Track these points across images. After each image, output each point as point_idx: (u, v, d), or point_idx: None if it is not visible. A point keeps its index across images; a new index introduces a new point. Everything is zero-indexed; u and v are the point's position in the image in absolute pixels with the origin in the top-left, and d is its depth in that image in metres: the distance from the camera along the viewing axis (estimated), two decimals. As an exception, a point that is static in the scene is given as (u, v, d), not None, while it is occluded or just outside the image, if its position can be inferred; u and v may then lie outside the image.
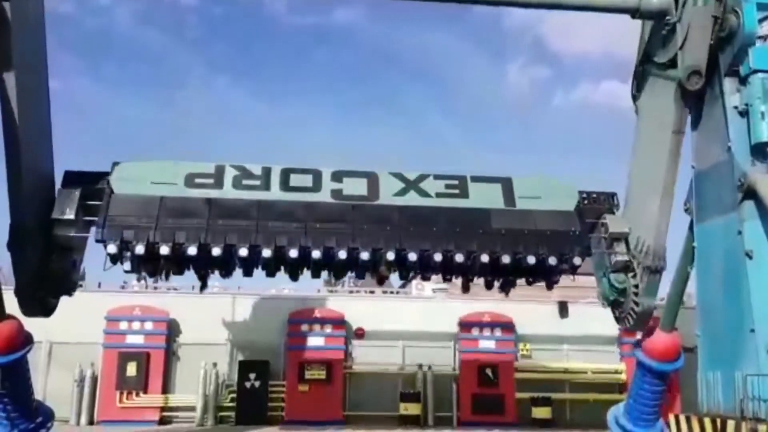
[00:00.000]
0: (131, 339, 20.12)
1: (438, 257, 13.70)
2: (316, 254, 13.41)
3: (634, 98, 15.30)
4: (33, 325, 13.45)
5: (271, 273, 14.52)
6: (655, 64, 14.30)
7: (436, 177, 14.81)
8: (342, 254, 13.48)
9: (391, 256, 13.64)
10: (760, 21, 13.27)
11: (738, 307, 12.70)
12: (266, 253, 13.26)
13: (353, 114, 59.56)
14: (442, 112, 59.92)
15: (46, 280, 13.45)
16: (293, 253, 13.32)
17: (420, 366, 20.93)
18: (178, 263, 13.98)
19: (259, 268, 14.31)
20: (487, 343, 21.24)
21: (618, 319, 15.37)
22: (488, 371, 20.90)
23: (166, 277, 14.83)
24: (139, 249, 12.90)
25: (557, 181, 15.20)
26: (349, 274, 15.82)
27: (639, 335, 15.26)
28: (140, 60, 57.99)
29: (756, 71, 12.99)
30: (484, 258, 13.85)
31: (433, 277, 16.12)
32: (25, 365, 13.92)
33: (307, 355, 20.62)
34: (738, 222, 12.75)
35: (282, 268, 14.33)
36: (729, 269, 13.01)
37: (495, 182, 14.89)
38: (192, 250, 13.08)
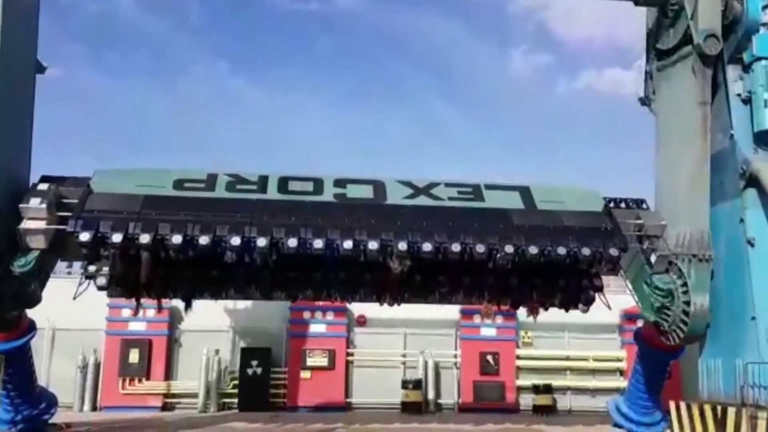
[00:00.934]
0: (134, 326, 20.16)
1: (456, 247, 12.58)
2: (318, 244, 12.38)
3: (647, 101, 15.13)
4: (35, 312, 13.52)
5: (264, 288, 13.63)
6: (666, 53, 14.13)
7: (448, 185, 14.12)
8: (347, 245, 12.42)
9: (402, 246, 12.55)
10: (764, 8, 13.22)
11: (739, 294, 12.73)
12: (261, 242, 12.24)
13: (354, 100, 59.30)
14: (444, 98, 59.66)
15: (5, 285, 12.04)
16: (292, 243, 12.30)
17: (422, 352, 20.98)
18: (161, 275, 12.86)
19: (251, 279, 13.44)
20: (488, 331, 21.27)
21: (665, 333, 13.47)
22: (489, 358, 20.96)
23: (149, 294, 13.56)
24: (116, 238, 11.81)
25: (579, 188, 14.49)
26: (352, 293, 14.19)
27: (640, 322, 15.29)
28: (142, 47, 57.62)
29: (759, 58, 12.97)
30: (508, 249, 12.66)
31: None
32: (28, 352, 14.01)
33: (309, 343, 20.68)
34: (740, 210, 12.76)
35: (275, 280, 13.44)
36: (730, 256, 13.03)
37: (512, 190, 14.11)
38: (176, 239, 12.02)
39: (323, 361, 20.57)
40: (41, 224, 12.07)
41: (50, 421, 14.82)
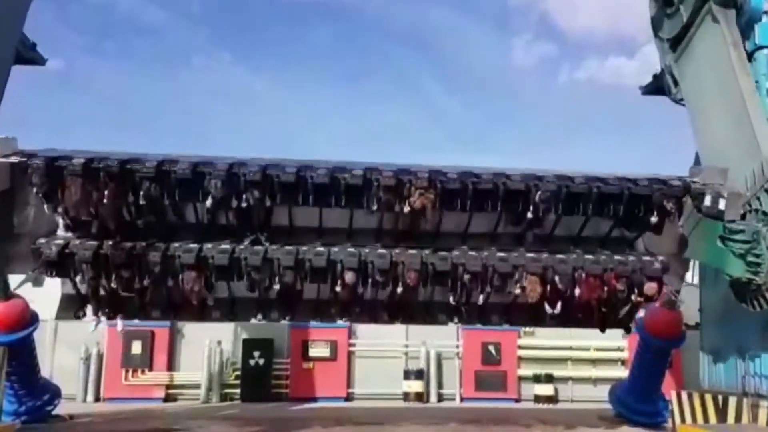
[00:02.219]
0: (136, 317, 20.19)
1: (488, 178, 11.87)
2: (320, 175, 11.73)
3: (672, 96, 14.99)
4: (38, 303, 13.56)
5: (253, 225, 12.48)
6: (678, 39, 14.11)
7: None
8: (357, 174, 11.77)
9: (423, 176, 11.83)
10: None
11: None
12: (252, 169, 11.56)
13: (355, 90, 59.26)
14: (445, 87, 59.59)
15: None
16: (289, 171, 11.65)
17: (423, 343, 21.02)
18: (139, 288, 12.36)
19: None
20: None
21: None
22: (491, 348, 20.99)
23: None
24: (77, 161, 11.33)
25: None
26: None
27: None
28: (142, 36, 57.58)
29: (762, 47, 12.86)
30: (549, 181, 11.89)
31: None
32: (31, 344, 14.07)
33: (311, 334, 20.69)
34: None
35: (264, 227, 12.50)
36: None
37: None
38: (150, 163, 11.37)
39: (325, 352, 20.61)
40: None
41: (54, 413, 14.90)
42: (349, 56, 58.80)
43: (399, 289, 12.54)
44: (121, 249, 12.10)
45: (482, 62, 58.97)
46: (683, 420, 12.79)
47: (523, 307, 13.78)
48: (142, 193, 11.67)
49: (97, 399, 19.82)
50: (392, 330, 20.85)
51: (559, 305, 13.01)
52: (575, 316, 13.61)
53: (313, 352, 20.57)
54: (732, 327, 12.59)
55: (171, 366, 20.40)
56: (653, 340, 14.43)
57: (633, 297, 12.78)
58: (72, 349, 19.82)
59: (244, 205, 11.95)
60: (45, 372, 15.91)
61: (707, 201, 12.10)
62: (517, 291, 12.65)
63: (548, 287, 12.56)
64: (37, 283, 13.88)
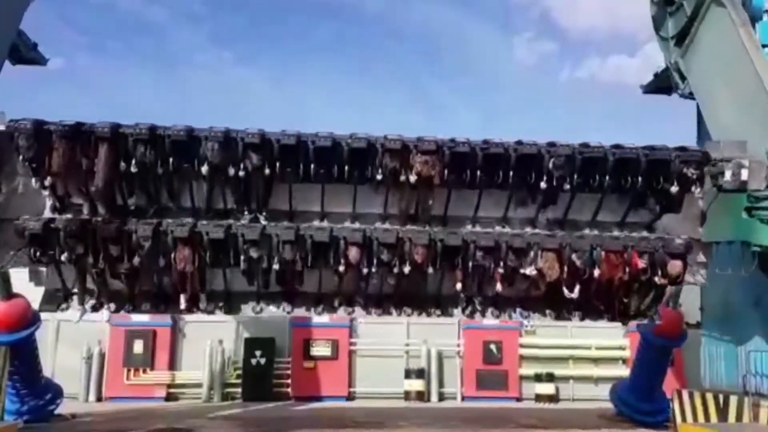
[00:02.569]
0: (137, 317, 20.18)
1: (497, 143, 11.25)
2: (322, 138, 11.18)
3: (680, 92, 15.03)
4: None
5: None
6: (683, 36, 14.13)
7: None
8: (360, 137, 11.23)
9: (430, 141, 11.22)
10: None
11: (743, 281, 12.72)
12: (251, 133, 11.01)
13: (355, 87, 59.23)
14: (446, 85, 59.56)
15: None
16: (290, 134, 11.12)
17: (425, 342, 21.02)
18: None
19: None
20: (491, 319, 21.21)
21: None
22: (492, 347, 20.99)
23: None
24: (67, 124, 10.83)
25: None
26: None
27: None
28: (144, 35, 57.59)
29: (763, 46, 12.88)
30: (563, 147, 11.31)
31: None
32: (33, 343, 14.08)
33: (312, 333, 20.70)
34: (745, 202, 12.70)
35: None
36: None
37: None
38: (143, 127, 10.82)
39: (326, 351, 20.61)
40: None
41: (56, 412, 14.92)
42: (349, 53, 58.78)
43: (406, 269, 11.73)
44: (110, 222, 11.51)
45: (483, 60, 58.93)
46: (684, 419, 12.79)
47: (538, 295, 12.72)
48: (134, 160, 11.06)
49: (98, 398, 19.80)
50: (393, 329, 20.94)
51: (577, 289, 12.09)
52: (595, 305, 12.75)
53: (315, 351, 20.57)
54: (733, 326, 12.61)
55: (172, 365, 20.41)
56: (654, 339, 14.42)
57: (656, 278, 11.93)
58: (74, 348, 19.79)
59: (242, 173, 11.32)
60: (47, 371, 15.93)
61: (728, 174, 11.82)
62: (533, 271, 11.80)
63: (565, 267, 11.76)
64: (39, 282, 13.87)
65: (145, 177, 11.54)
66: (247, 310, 13.02)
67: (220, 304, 12.91)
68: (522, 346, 21.21)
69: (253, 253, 11.60)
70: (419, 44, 58.64)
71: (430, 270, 11.93)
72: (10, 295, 13.25)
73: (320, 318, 20.68)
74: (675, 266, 11.79)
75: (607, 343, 21.30)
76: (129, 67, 55.09)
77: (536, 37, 62.85)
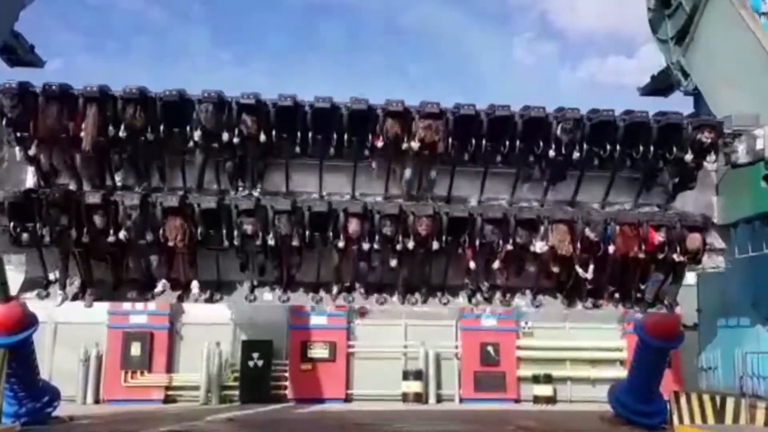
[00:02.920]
0: (135, 319, 20.23)
1: (504, 108, 10.67)
2: (321, 100, 10.67)
3: (684, 87, 15.07)
4: (37, 306, 13.53)
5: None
6: (683, 34, 14.21)
7: None
8: (361, 100, 10.75)
9: (433, 105, 10.63)
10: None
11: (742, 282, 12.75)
12: (246, 94, 10.48)
13: (356, 88, 59.30)
14: (448, 86, 59.74)
15: None
16: (287, 96, 10.51)
17: (422, 344, 21.02)
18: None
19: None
20: (488, 321, 21.27)
21: None
22: (490, 349, 20.99)
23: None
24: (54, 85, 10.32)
25: None
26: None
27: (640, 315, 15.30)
28: (143, 35, 57.65)
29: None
30: (573, 109, 10.79)
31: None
32: (31, 345, 14.05)
33: (310, 335, 20.70)
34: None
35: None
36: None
37: None
38: (133, 88, 10.30)
39: (324, 353, 20.60)
40: None
41: (53, 414, 14.88)
42: (350, 53, 58.85)
43: (410, 244, 10.98)
44: (95, 191, 10.92)
45: (482, 60, 59.04)
46: (681, 421, 12.80)
47: (549, 282, 12.06)
48: (123, 125, 10.51)
49: (96, 401, 19.80)
50: (391, 330, 20.98)
51: (591, 268, 11.41)
52: (610, 291, 12.03)
53: (312, 353, 20.55)
54: (730, 328, 12.64)
55: (170, 367, 20.39)
56: (651, 340, 14.42)
57: (675, 256, 11.28)
58: (71, 350, 19.80)
59: (236, 140, 10.75)
60: (44, 374, 15.89)
61: (742, 148, 11.53)
62: (544, 248, 11.08)
63: (578, 244, 11.03)
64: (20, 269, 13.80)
65: (134, 147, 10.92)
66: (241, 298, 12.27)
67: (213, 293, 12.13)
68: (519, 347, 21.23)
69: (248, 227, 10.91)
70: (418, 42, 58.72)
71: (436, 245, 11.08)
72: (8, 297, 13.24)
73: (318, 319, 20.90)
74: (694, 240, 11.20)
75: (604, 345, 21.34)
76: (127, 68, 55.07)
77: (536, 37, 63.02)
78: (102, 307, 19.58)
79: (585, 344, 21.27)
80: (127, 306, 20.11)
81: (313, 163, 11.57)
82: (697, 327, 14.70)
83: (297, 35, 56.90)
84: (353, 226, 10.86)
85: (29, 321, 13.54)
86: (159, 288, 11.80)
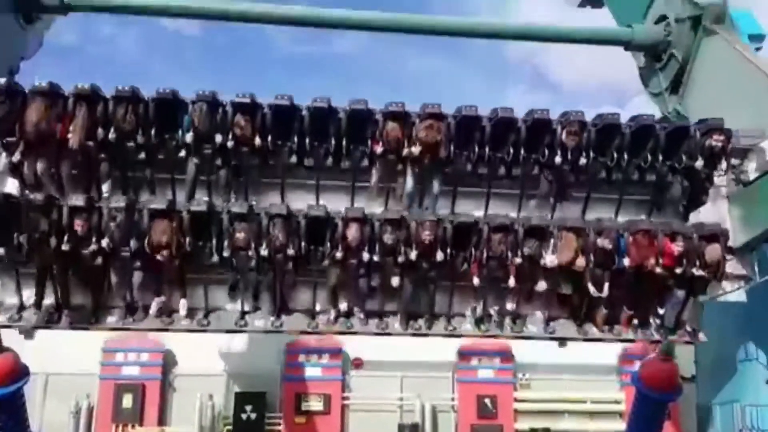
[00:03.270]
0: (127, 370, 19.97)
1: (507, 110, 10.37)
2: (318, 100, 10.39)
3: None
4: (29, 356, 13.38)
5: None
6: (678, 82, 14.46)
7: None
8: (360, 100, 10.48)
9: (434, 106, 10.36)
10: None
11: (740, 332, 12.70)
12: (240, 94, 10.11)
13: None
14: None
15: None
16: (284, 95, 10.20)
17: (418, 396, 20.73)
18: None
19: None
20: (486, 373, 21.07)
21: None
22: (487, 401, 20.70)
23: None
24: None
25: None
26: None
27: (638, 364, 15.18)
28: (143, 87, 58.51)
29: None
30: (578, 111, 10.41)
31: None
32: (22, 398, 13.81)
33: (304, 386, 20.40)
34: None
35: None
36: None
37: None
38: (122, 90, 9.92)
39: (318, 406, 20.26)
40: None
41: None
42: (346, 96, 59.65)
43: (413, 254, 10.41)
44: (79, 195, 10.42)
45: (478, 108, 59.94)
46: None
47: (562, 306, 11.55)
48: (114, 126, 10.14)
49: (86, 455, 19.39)
50: (386, 382, 20.75)
51: (606, 287, 10.78)
52: (628, 314, 11.39)
53: (306, 405, 20.23)
54: (728, 380, 12.54)
55: (162, 420, 20.02)
56: (649, 392, 14.26)
57: (694, 270, 10.75)
58: (62, 402, 19.45)
59: (230, 143, 10.33)
60: (34, 427, 15.57)
61: (752, 163, 11.32)
62: (554, 261, 10.53)
63: (591, 257, 10.49)
64: (29, 335, 13.71)
65: (123, 152, 10.47)
66: (230, 324, 11.47)
67: (200, 320, 11.32)
68: (517, 399, 20.95)
69: (240, 235, 10.30)
70: (414, 93, 59.63)
71: (440, 256, 10.47)
72: (1, 349, 13.08)
73: (312, 371, 20.65)
74: (714, 250, 10.72)
75: (602, 397, 21.08)
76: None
77: (530, 89, 64.10)
78: (95, 357, 19.44)
79: (583, 396, 21.01)
80: (119, 357, 19.95)
81: (311, 183, 11.27)
82: (694, 379, 14.57)
83: (291, 87, 57.81)
84: (353, 232, 10.32)
85: (21, 372, 13.35)
86: (153, 308, 11.05)
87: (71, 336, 14.58)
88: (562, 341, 16.57)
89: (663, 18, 14.30)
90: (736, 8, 13.59)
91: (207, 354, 20.47)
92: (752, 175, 11.32)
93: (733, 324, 12.82)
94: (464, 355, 21.15)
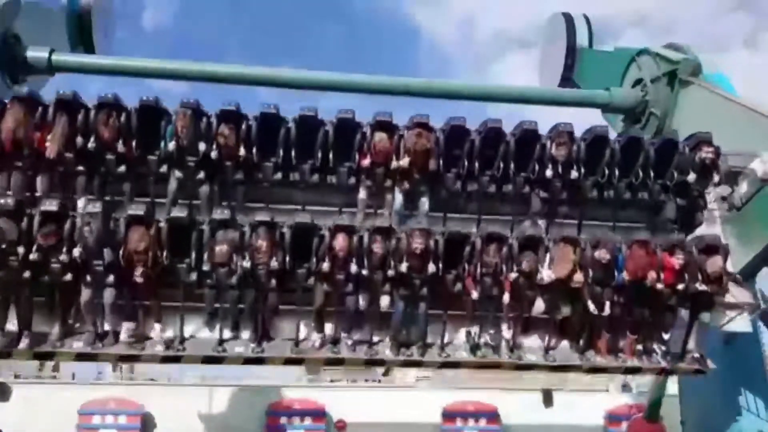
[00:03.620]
0: (107, 418, 19.46)
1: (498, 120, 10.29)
2: (305, 108, 10.24)
3: None
4: (3, 418, 13.03)
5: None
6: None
7: None
8: (348, 110, 10.37)
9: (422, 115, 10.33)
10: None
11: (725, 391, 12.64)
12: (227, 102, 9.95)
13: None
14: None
15: None
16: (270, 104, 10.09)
17: (403, 459, 20.33)
18: None
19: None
20: (471, 432, 20.76)
21: None
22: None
23: None
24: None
25: None
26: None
27: (624, 424, 15.09)
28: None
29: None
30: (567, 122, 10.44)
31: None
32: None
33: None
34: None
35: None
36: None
37: None
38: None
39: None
40: None
41: None
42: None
43: (403, 266, 9.88)
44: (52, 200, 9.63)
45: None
46: None
47: (563, 329, 10.83)
48: (94, 135, 9.72)
49: None
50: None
51: (607, 306, 10.27)
52: (632, 338, 10.77)
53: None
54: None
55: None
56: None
57: (697, 285, 10.28)
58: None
59: (214, 154, 9.98)
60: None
61: (743, 184, 11.10)
62: (551, 276, 10.07)
63: (589, 271, 10.13)
64: (4, 397, 13.36)
65: (102, 163, 9.99)
66: (208, 351, 10.42)
67: (176, 347, 10.26)
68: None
69: (222, 247, 9.66)
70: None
71: (432, 268, 9.95)
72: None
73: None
74: (715, 262, 10.31)
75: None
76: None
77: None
78: (71, 420, 18.93)
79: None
80: (96, 420, 19.43)
81: (296, 200, 10.79)
82: (682, 437, 14.40)
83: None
84: (340, 242, 9.76)
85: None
86: (124, 334, 10.04)
87: (48, 397, 14.30)
88: (548, 400, 16.42)
89: (639, 81, 14.66)
90: (709, 71, 13.97)
91: (187, 416, 20.04)
92: (745, 198, 11.14)
93: (718, 378, 12.78)
94: (449, 416, 20.85)
